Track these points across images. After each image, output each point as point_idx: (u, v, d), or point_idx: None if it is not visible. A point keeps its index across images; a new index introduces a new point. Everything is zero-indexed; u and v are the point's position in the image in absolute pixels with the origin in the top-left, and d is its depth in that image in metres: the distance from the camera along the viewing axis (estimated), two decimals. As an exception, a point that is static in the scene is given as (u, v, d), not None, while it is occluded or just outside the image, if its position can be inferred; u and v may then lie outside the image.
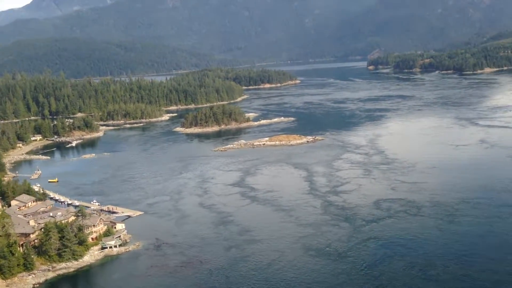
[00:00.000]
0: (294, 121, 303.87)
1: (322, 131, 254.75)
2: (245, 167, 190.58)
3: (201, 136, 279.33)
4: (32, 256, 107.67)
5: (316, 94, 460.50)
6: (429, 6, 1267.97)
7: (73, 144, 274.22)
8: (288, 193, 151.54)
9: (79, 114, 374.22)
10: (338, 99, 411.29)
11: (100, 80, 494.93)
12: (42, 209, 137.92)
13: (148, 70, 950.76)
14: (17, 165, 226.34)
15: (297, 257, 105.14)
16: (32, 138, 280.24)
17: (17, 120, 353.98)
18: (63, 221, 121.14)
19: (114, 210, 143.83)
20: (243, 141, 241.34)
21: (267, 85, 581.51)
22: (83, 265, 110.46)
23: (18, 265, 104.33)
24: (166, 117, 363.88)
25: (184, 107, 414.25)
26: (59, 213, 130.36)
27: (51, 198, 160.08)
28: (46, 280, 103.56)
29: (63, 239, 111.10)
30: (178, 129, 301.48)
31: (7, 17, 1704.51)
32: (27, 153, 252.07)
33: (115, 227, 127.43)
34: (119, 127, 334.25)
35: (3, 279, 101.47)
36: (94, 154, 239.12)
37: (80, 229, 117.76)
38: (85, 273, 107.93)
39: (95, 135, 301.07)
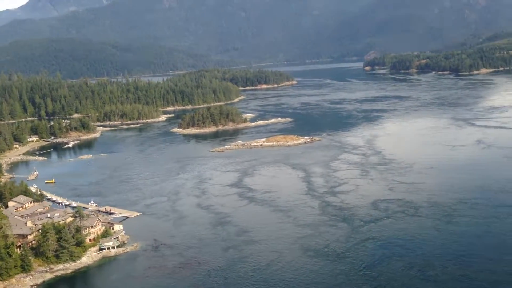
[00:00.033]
0: (291, 122, 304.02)
1: (319, 132, 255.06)
2: (243, 167, 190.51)
3: (198, 137, 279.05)
4: (30, 258, 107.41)
5: (313, 95, 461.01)
6: (426, 7, 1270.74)
7: (70, 145, 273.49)
8: (286, 193, 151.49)
9: (75, 115, 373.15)
10: (335, 99, 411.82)
11: (97, 81, 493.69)
12: (39, 210, 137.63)
13: (145, 71, 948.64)
14: (14, 166, 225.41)
15: (296, 258, 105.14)
16: (28, 139, 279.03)
17: (13, 121, 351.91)
18: (60, 222, 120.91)
19: (112, 211, 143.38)
20: (240, 142, 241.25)
21: (264, 86, 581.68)
22: (80, 266, 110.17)
23: (15, 266, 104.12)
24: (163, 118, 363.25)
25: (181, 107, 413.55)
26: (57, 214, 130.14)
27: (49, 199, 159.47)
28: (43, 282, 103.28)
29: (61, 240, 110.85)
30: (175, 129, 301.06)
31: (3, 17, 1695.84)
32: (23, 154, 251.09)
33: (112, 228, 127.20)
34: (116, 128, 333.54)
35: (0, 280, 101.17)
36: (91, 155, 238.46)
37: (77, 230, 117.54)
38: (82, 274, 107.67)
39: (92, 136, 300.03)
